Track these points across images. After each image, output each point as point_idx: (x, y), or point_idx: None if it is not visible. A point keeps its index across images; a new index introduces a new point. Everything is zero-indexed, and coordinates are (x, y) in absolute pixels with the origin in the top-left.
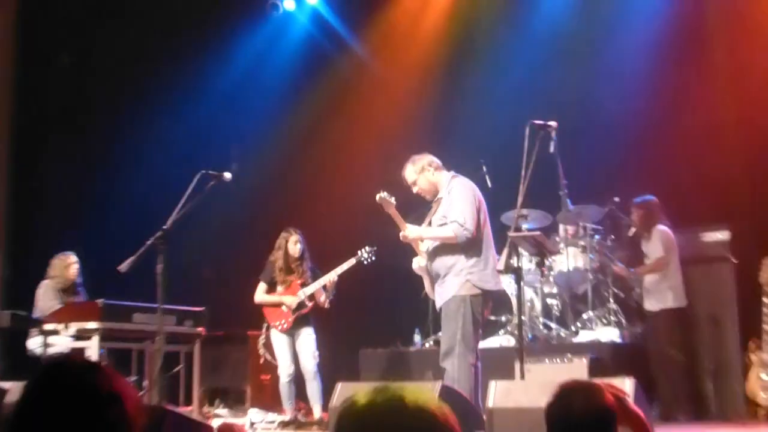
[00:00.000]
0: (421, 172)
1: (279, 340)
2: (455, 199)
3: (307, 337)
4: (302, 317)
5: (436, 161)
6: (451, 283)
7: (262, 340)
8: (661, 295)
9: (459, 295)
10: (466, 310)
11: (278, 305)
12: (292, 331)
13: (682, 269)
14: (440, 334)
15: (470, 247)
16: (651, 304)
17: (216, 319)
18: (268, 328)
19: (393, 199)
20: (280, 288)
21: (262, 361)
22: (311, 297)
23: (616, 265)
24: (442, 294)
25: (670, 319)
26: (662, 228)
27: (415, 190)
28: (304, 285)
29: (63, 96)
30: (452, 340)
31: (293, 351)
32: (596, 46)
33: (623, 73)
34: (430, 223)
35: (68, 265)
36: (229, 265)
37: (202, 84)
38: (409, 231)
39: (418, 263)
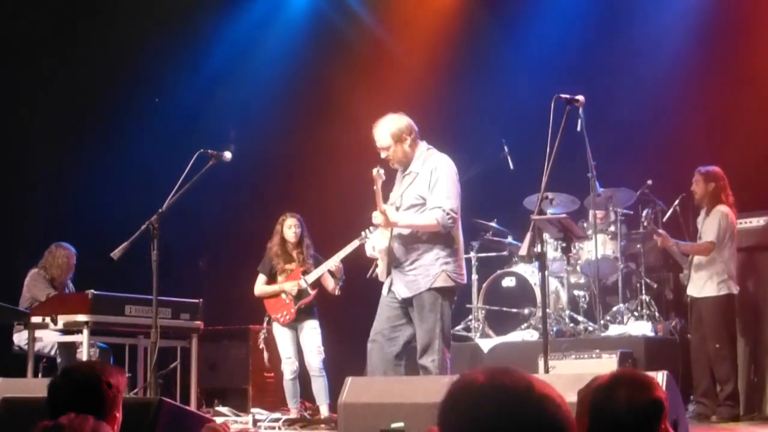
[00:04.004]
0: (399, 140)
1: (281, 334)
2: (441, 181)
3: (312, 330)
4: (306, 309)
5: (416, 130)
6: (423, 273)
7: (263, 333)
8: (714, 277)
9: (435, 287)
10: (444, 302)
11: (279, 294)
12: (295, 324)
13: None
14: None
15: (448, 234)
16: (698, 288)
17: (215, 312)
18: (269, 322)
19: (383, 177)
20: (280, 278)
21: (266, 357)
22: (314, 285)
23: (659, 234)
24: (410, 284)
25: (721, 305)
26: (726, 210)
27: (383, 155)
28: (305, 273)
29: (51, 78)
30: (431, 334)
31: (297, 345)
32: (630, 14)
33: (660, 43)
34: (395, 202)
35: (71, 261)
36: (227, 254)
37: (197, 58)
38: (390, 213)
39: (381, 243)
